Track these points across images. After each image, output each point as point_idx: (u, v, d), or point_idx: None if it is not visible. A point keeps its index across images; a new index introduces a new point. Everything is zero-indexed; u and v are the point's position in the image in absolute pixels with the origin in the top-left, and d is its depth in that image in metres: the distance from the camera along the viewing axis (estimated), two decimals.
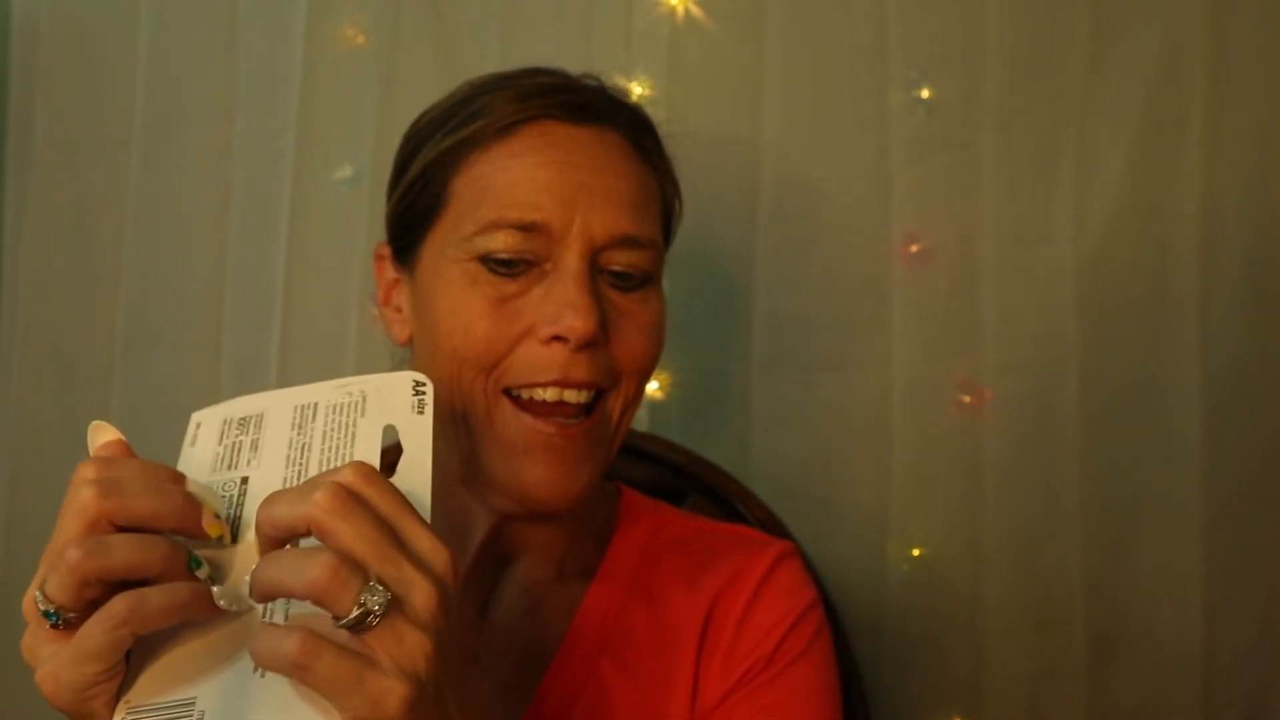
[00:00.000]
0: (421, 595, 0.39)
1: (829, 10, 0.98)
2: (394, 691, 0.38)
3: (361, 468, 0.41)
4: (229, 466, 0.47)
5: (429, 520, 0.43)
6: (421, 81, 1.04)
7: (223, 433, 0.49)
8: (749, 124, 0.99)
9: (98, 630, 0.38)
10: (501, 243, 0.58)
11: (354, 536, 0.39)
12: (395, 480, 0.44)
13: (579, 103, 0.62)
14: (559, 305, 0.57)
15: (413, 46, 1.04)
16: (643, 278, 0.62)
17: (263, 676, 0.40)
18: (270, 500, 0.40)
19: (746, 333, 0.99)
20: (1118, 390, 0.95)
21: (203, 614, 0.41)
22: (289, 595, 0.39)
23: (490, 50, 1.02)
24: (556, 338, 0.57)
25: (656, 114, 1.04)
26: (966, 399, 0.96)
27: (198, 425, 0.50)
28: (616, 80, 0.69)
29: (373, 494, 0.40)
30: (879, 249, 0.97)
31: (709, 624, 0.65)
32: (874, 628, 0.95)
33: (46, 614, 0.40)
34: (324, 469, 0.46)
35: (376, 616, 0.38)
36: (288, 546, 0.41)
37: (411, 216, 0.63)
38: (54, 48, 1.13)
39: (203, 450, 0.48)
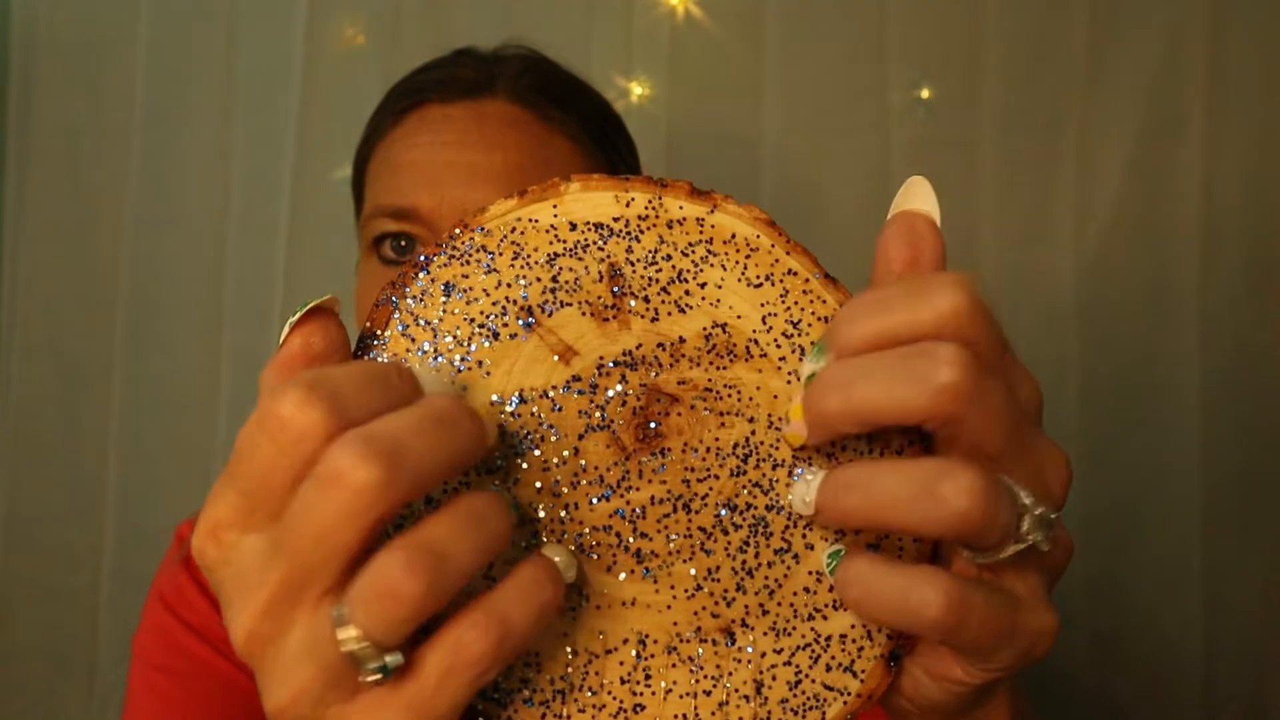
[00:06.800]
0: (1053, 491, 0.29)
1: (829, 10, 0.98)
2: (1047, 628, 0.28)
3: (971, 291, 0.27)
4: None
5: None
6: None
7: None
8: (749, 124, 0.99)
9: (457, 683, 0.26)
10: (379, 229, 0.58)
11: (990, 427, 0.26)
12: None
13: (451, 80, 0.60)
14: None
15: (413, 46, 1.04)
16: None
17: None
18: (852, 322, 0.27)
19: None
20: (1118, 390, 0.95)
21: (559, 604, 0.28)
22: (886, 529, 0.27)
23: None
24: None
25: (656, 114, 1.03)
26: None
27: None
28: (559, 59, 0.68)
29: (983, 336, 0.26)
30: None
31: None
32: None
33: (375, 666, 0.25)
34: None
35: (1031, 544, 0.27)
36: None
37: (356, 209, 0.65)
38: (54, 47, 1.13)
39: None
